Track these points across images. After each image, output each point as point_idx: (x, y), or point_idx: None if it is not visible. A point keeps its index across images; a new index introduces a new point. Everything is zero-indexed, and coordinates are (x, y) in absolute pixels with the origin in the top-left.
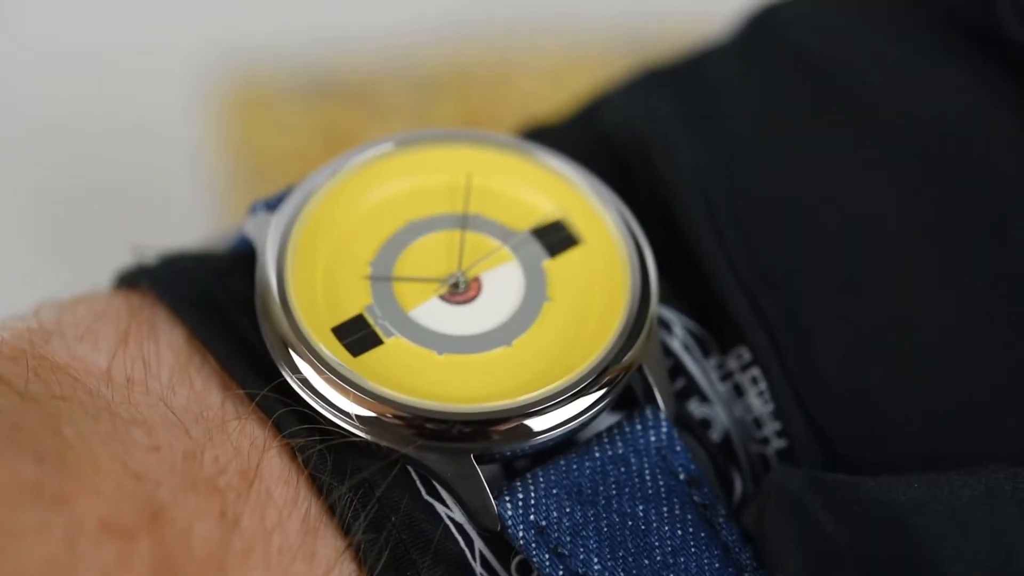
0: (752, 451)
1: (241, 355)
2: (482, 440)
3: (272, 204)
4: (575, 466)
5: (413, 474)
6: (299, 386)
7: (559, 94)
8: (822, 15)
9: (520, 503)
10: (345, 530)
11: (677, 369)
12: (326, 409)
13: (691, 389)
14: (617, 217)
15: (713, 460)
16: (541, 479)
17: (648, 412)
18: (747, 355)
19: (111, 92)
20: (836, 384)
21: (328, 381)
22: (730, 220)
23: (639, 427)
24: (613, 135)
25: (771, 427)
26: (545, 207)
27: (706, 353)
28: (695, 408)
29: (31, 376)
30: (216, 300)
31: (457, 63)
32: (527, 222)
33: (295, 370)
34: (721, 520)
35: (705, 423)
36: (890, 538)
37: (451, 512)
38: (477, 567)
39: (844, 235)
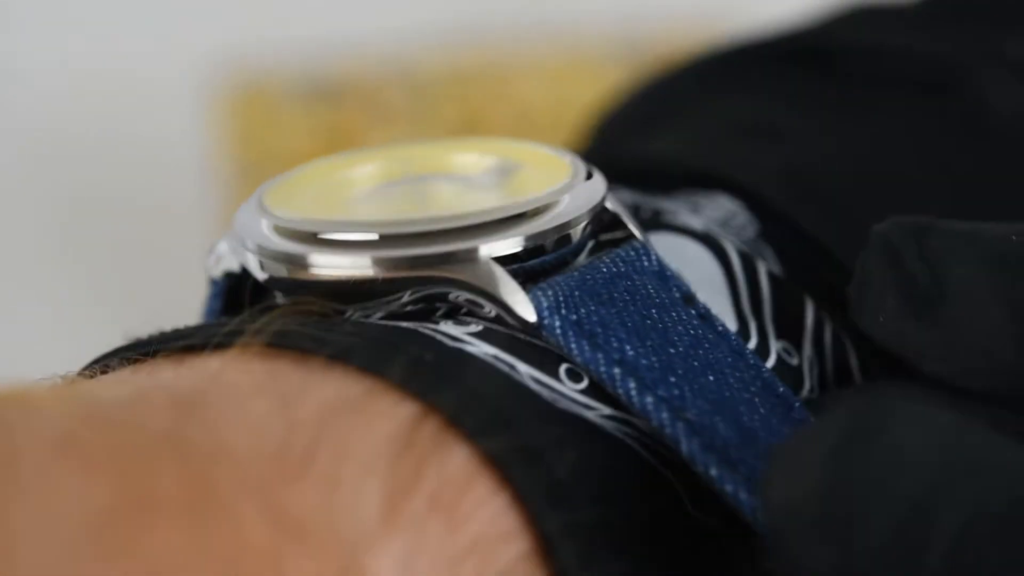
0: (733, 240)
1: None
2: (487, 231)
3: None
4: (588, 276)
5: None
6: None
7: (558, 98)
8: None
9: (552, 297)
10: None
11: (638, 206)
12: (343, 268)
13: (658, 212)
14: (555, 150)
15: (705, 242)
16: (562, 283)
17: (635, 243)
18: (691, 192)
19: (116, 96)
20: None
21: (344, 228)
22: None
23: (632, 253)
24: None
25: (734, 225)
26: (486, 160)
27: (653, 196)
28: (669, 220)
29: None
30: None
31: (457, 67)
32: (473, 170)
33: (319, 247)
34: (722, 327)
35: (685, 226)
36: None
37: (485, 347)
38: (530, 383)
39: None
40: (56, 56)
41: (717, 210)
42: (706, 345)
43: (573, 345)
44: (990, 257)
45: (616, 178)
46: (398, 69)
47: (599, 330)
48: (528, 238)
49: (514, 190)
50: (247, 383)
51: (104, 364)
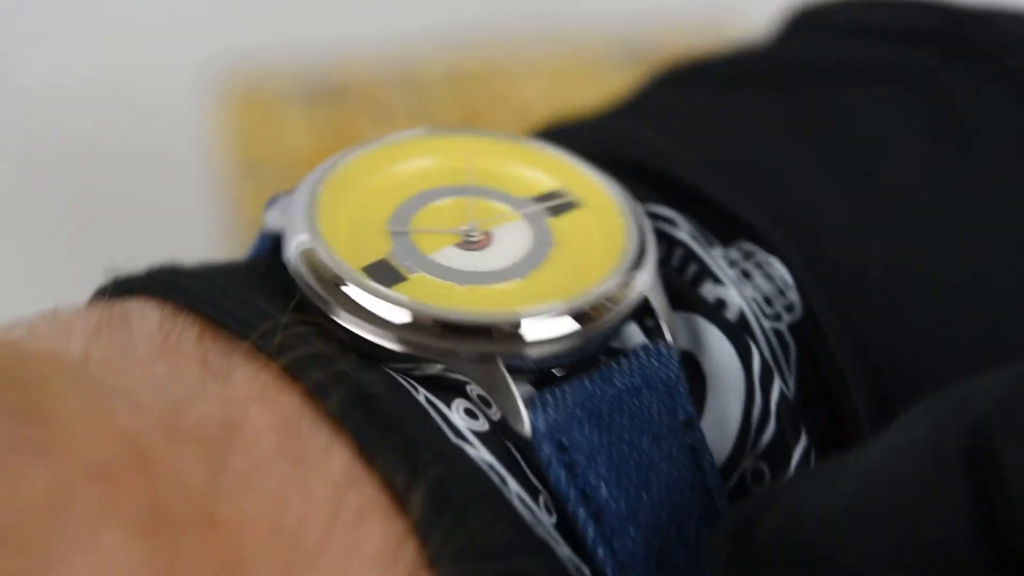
0: (766, 326)
1: (228, 309)
2: (511, 341)
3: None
4: (597, 390)
5: (413, 383)
6: (346, 309)
7: (559, 99)
8: None
9: (551, 416)
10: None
11: (688, 257)
12: (364, 327)
13: (703, 273)
14: (613, 186)
15: (732, 338)
16: (568, 396)
17: (661, 347)
18: (749, 246)
19: (116, 96)
20: (840, 267)
21: (373, 293)
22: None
23: (654, 361)
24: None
25: (780, 303)
26: (544, 181)
27: (710, 244)
28: (709, 291)
29: (9, 362)
30: (196, 275)
31: (457, 68)
32: (530, 190)
33: (343, 300)
34: (707, 465)
35: (720, 303)
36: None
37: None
38: (517, 503)
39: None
40: (56, 56)
41: (769, 281)
42: (682, 488)
43: (553, 470)
44: None
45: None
46: (398, 69)
47: (582, 460)
48: (563, 347)
49: (559, 264)
50: (271, 439)
51: (126, 292)
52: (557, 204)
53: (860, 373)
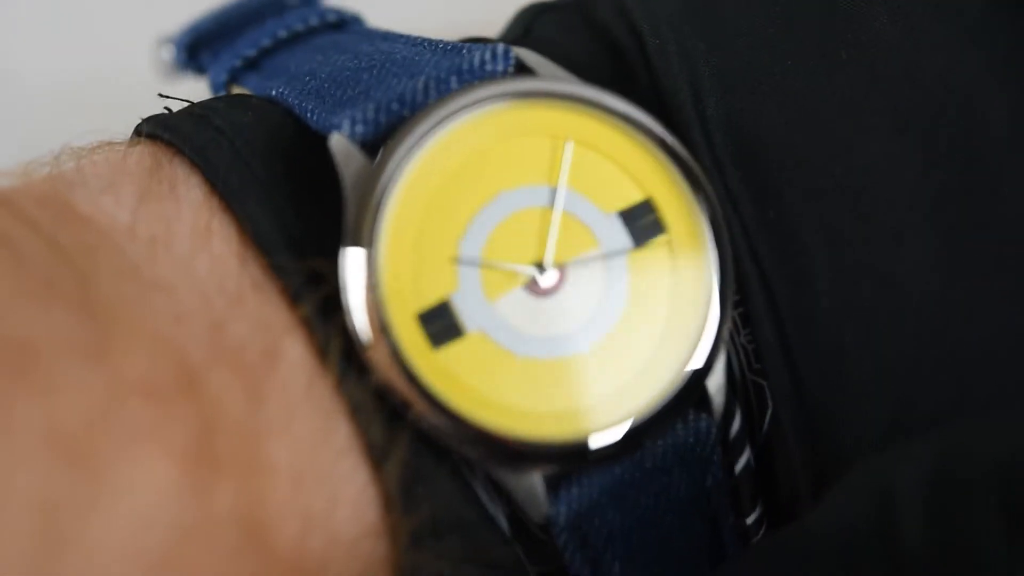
0: (749, 381)
1: (271, 217)
2: (546, 465)
3: (359, 121)
4: (627, 475)
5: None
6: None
7: None
8: None
9: (572, 510)
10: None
11: None
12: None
13: None
14: (704, 207)
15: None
16: (596, 484)
17: (703, 424)
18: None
19: (116, 96)
20: (818, 325)
21: (399, 373)
22: (723, 128)
23: (691, 439)
24: (611, 27)
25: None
26: (635, 187)
27: None
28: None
29: (59, 226)
30: (242, 156)
31: None
32: (617, 202)
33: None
34: (726, 531)
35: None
36: None
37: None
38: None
39: (843, 180)
40: (56, 58)
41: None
42: (696, 560)
43: (568, 554)
44: None
45: None
46: None
47: (600, 544)
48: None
49: (629, 332)
50: (304, 378)
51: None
52: (643, 225)
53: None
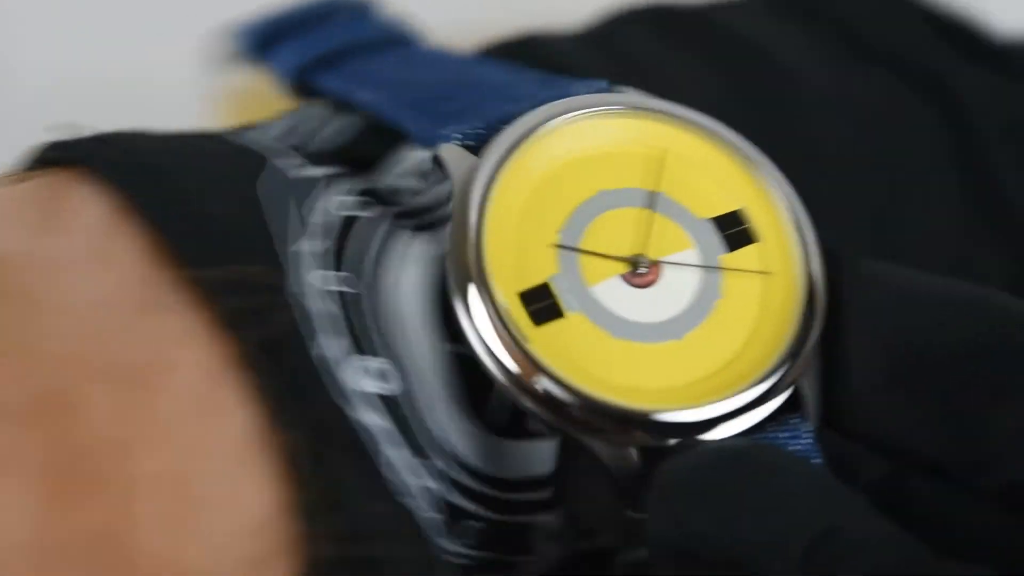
0: None
1: (183, 224)
2: (645, 436)
3: (469, 137)
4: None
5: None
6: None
7: None
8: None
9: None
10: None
11: None
12: (497, 367)
13: None
14: (792, 217)
15: None
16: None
17: (797, 422)
18: None
19: (116, 96)
20: None
21: (507, 348)
22: None
23: (785, 435)
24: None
25: None
26: (729, 197)
27: None
28: None
29: None
30: (156, 165)
31: None
32: (710, 209)
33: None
34: None
35: None
36: None
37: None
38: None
39: None
40: (56, 56)
41: None
42: None
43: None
44: None
45: None
46: None
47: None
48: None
49: (720, 327)
50: (192, 390)
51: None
52: (735, 232)
53: None
